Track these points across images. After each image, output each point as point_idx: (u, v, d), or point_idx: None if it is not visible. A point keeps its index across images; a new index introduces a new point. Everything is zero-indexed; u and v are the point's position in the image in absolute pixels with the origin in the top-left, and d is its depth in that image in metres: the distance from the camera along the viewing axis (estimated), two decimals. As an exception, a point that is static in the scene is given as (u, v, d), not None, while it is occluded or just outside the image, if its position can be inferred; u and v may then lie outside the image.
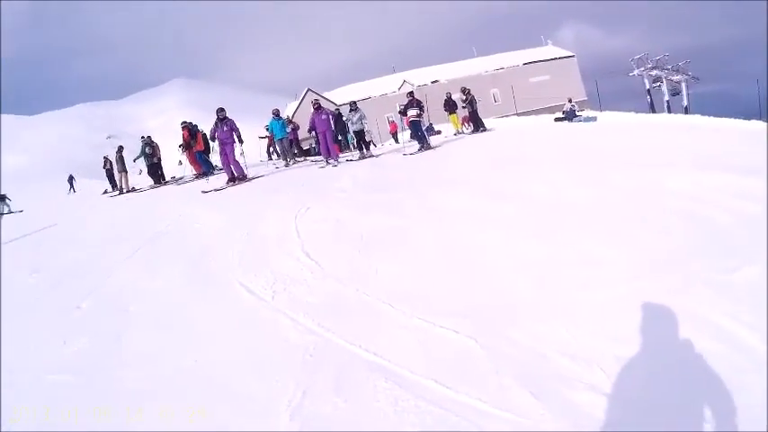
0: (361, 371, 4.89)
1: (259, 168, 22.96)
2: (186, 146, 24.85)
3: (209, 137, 20.87)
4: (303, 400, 4.55)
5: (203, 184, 20.30)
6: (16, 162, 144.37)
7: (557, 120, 31.46)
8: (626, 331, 4.93)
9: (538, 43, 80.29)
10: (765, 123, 18.11)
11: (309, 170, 19.89)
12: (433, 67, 76.58)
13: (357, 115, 22.86)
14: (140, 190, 26.01)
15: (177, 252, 10.00)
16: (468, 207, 9.60)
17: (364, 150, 23.07)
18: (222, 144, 19.39)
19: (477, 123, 27.67)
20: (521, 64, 73.45)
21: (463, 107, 28.77)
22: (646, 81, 67.01)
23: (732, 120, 21.07)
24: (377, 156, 22.35)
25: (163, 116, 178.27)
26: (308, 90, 72.83)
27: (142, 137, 28.41)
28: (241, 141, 19.71)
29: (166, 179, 27.01)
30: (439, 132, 31.46)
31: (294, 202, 12.34)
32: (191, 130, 24.91)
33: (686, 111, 58.45)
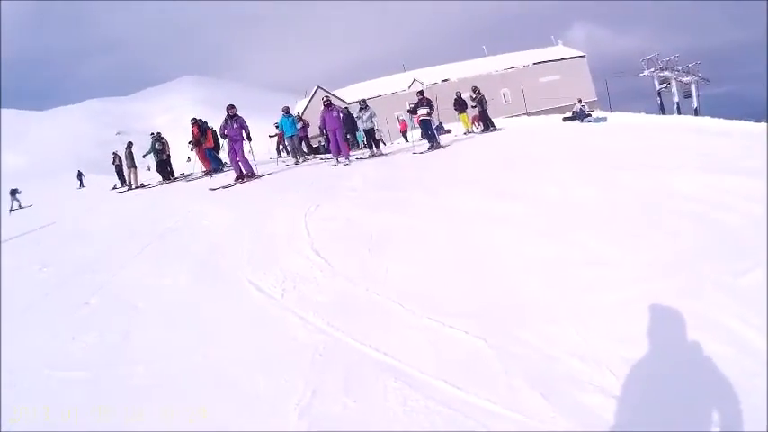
0: (371, 370, 4.88)
1: (268, 166, 22.96)
2: (196, 143, 24.89)
3: (218, 134, 20.83)
4: (312, 400, 4.53)
5: (212, 180, 20.30)
6: (24, 157, 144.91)
7: (566, 119, 31.40)
8: (635, 333, 4.90)
9: (548, 43, 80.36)
10: (765, 125, 18.06)
11: (319, 168, 19.87)
12: (444, 65, 76.74)
13: (367, 113, 22.83)
14: (149, 186, 26.09)
15: (186, 249, 10.00)
16: (479, 206, 9.58)
17: (374, 149, 23.06)
18: (231, 141, 19.37)
19: (486, 123, 27.66)
20: (531, 64, 73.53)
21: (473, 107, 28.76)
22: (656, 82, 66.96)
23: (742, 122, 21.00)
24: (387, 154, 22.35)
25: (172, 113, 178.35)
26: (318, 88, 73.06)
27: (152, 133, 28.52)
28: (249, 139, 19.69)
29: (175, 176, 27.08)
30: (449, 131, 31.47)
31: (304, 200, 12.34)
32: (201, 127, 24.95)
33: (696, 112, 58.39)
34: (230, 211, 12.80)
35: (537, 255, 7.08)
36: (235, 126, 19.29)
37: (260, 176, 19.14)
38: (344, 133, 21.88)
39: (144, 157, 28.16)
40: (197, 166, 26.26)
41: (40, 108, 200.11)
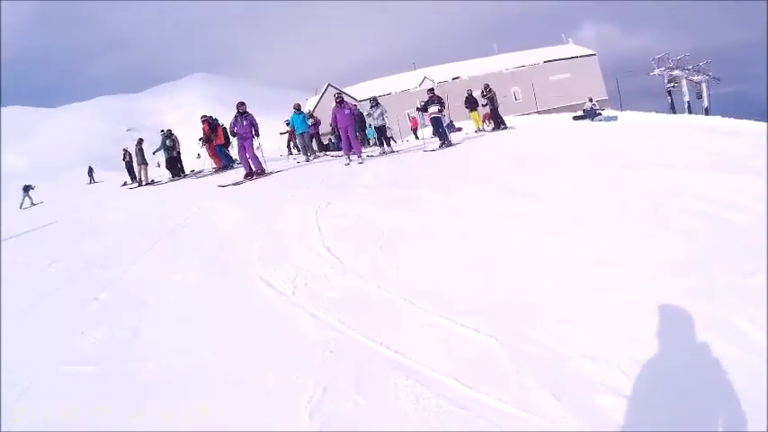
0: (382, 368, 4.86)
1: (279, 163, 22.97)
2: (207, 139, 24.96)
3: (229, 131, 20.82)
4: (323, 397, 4.52)
5: (222, 177, 20.30)
6: (34, 154, 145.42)
7: (576, 118, 31.39)
8: (646, 333, 4.88)
9: (559, 41, 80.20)
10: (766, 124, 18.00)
11: (330, 165, 19.88)
12: (454, 63, 76.82)
13: (378, 111, 22.85)
14: (159, 183, 26.19)
15: (196, 245, 10.01)
16: (490, 205, 9.56)
17: (385, 146, 23.05)
18: (241, 138, 19.36)
19: (497, 121, 27.66)
20: (541, 62, 73.49)
21: (484, 105, 28.78)
22: (665, 81, 66.87)
23: (753, 121, 20.91)
24: (397, 152, 22.36)
25: (182, 110, 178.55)
26: (329, 85, 73.20)
27: (162, 130, 28.62)
28: (257, 135, 19.66)
29: (186, 172, 27.11)
30: (459, 129, 31.56)
31: (315, 197, 12.34)
32: (211, 124, 25.03)
33: (707, 112, 58.26)
34: (241, 207, 12.83)
35: (548, 253, 7.07)
36: (245, 123, 19.25)
37: (270, 174, 19.13)
38: (356, 131, 21.51)
39: (154, 153, 28.28)
40: (207, 163, 26.35)
41: (52, 105, 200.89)
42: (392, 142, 27.89)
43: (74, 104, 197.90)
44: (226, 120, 22.40)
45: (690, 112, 56.43)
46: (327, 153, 27.72)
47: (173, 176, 26.57)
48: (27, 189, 38.41)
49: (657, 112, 32.67)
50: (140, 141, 29.62)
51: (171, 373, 5.42)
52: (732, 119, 22.54)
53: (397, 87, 73.67)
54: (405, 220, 9.35)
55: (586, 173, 11.09)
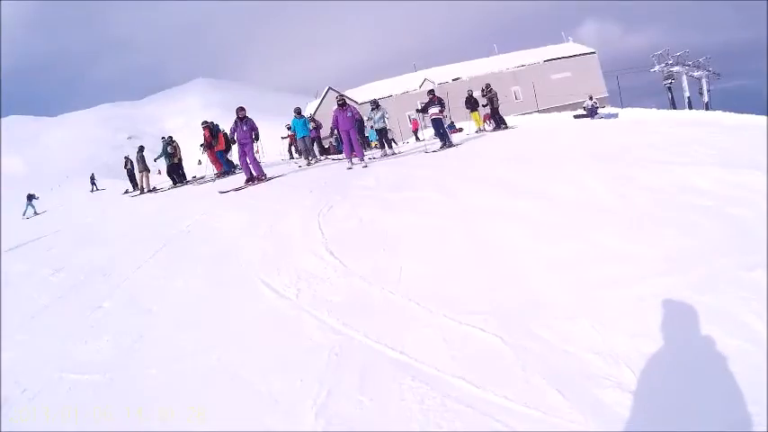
0: (387, 369, 4.86)
1: (280, 167, 22.94)
2: (208, 145, 24.98)
3: (229, 137, 20.81)
4: (328, 400, 4.52)
5: (223, 183, 20.28)
6: (35, 163, 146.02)
7: (577, 116, 31.44)
8: (652, 329, 4.89)
9: (558, 40, 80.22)
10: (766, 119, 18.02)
11: (331, 169, 19.78)
12: (454, 64, 76.91)
13: (379, 113, 22.81)
14: (161, 190, 26.20)
15: (199, 251, 10.01)
16: (493, 204, 9.55)
17: (386, 148, 23.03)
18: (242, 144, 19.24)
19: (498, 121, 27.68)
20: (541, 61, 73.49)
21: (484, 105, 28.81)
22: (663, 78, 66.92)
23: (754, 116, 20.91)
24: (399, 154, 22.33)
25: (184, 116, 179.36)
26: (329, 89, 73.30)
27: (163, 137, 28.63)
28: (257, 140, 19.63)
29: (187, 179, 27.12)
30: (460, 130, 31.58)
31: (317, 200, 12.34)
32: (212, 130, 25.07)
33: (707, 107, 58.27)
34: (243, 212, 12.82)
35: (552, 251, 7.06)
36: (245, 128, 19.12)
37: (271, 179, 19.04)
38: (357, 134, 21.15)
39: (155, 160, 28.34)
40: (209, 169, 26.35)
41: (53, 114, 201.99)
42: (393, 144, 27.90)
43: (75, 113, 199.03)
44: (227, 125, 22.36)
45: (690, 108, 56.44)
46: (328, 156, 27.72)
47: (174, 183, 26.61)
48: (30, 198, 38.42)
49: (658, 108, 32.70)
50: (141, 149, 29.62)
51: (176, 379, 5.42)
52: (733, 113, 22.57)
53: (397, 89, 73.76)
54: (407, 221, 9.34)
55: (589, 171, 11.08)
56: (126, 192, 31.68)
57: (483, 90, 28.57)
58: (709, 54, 67.65)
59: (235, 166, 24.64)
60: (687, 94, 65.69)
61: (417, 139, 36.62)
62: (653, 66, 67.60)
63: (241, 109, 19.40)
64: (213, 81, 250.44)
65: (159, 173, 35.19)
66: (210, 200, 16.29)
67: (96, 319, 7.53)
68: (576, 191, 9.70)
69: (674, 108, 57.60)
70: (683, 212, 7.78)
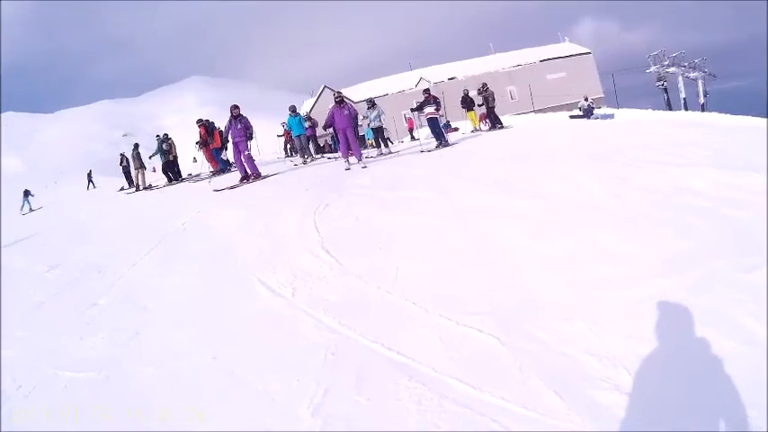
0: (384, 369, 4.85)
1: (276, 166, 22.90)
2: (203, 143, 24.96)
3: (224, 135, 20.76)
4: (325, 399, 4.51)
5: (219, 181, 20.24)
6: (31, 159, 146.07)
7: (573, 117, 31.48)
8: (648, 330, 4.90)
9: (554, 40, 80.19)
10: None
11: (327, 167, 19.76)
12: (450, 63, 76.67)
13: (375, 112, 22.82)
14: (156, 187, 26.17)
15: (195, 249, 10.01)
16: (489, 204, 9.54)
17: (382, 147, 23.00)
18: (236, 142, 19.22)
19: (494, 121, 27.70)
20: (537, 61, 73.36)
21: (480, 105, 28.81)
22: (656, 80, 66.93)
23: (750, 118, 20.97)
24: (395, 153, 22.32)
25: (181, 114, 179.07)
26: (325, 87, 73.17)
27: (157, 135, 28.60)
28: (251, 138, 19.36)
29: (183, 176, 27.10)
30: (456, 129, 31.60)
31: (312, 199, 12.33)
32: (207, 128, 25.04)
33: (703, 108, 58.29)
34: (239, 210, 12.82)
35: (549, 252, 7.06)
36: (239, 127, 19.03)
37: (266, 177, 19.05)
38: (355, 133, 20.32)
39: (150, 158, 28.33)
40: (204, 167, 26.34)
41: (49, 111, 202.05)
42: (389, 143, 27.87)
43: (71, 109, 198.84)
44: (223, 123, 22.31)
45: (686, 109, 56.46)
46: (324, 155, 27.70)
47: (169, 181, 26.63)
48: (27, 194, 38.54)
49: (654, 109, 32.76)
50: (136, 146, 29.65)
51: (171, 377, 5.42)
52: (728, 115, 22.63)
53: (393, 88, 73.57)
54: (403, 220, 9.34)
55: (585, 171, 11.09)
56: (121, 189, 31.69)
57: (479, 89, 28.59)
58: (706, 55, 67.76)
59: (230, 164, 24.65)
60: (683, 95, 65.69)
61: (413, 138, 36.63)
62: (649, 66, 67.63)
63: (235, 107, 19.30)
64: (209, 79, 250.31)
65: (154, 170, 35.14)
66: (206, 198, 16.28)
67: (92, 316, 7.53)
68: (572, 190, 9.72)
69: (670, 109, 57.69)
70: (680, 213, 7.79)
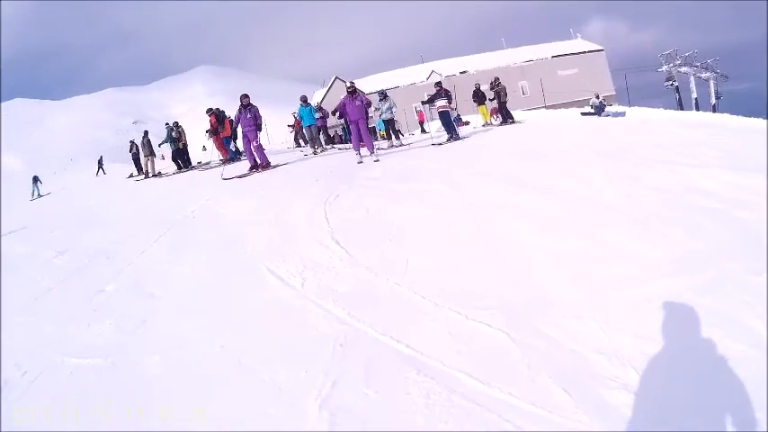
0: (392, 362, 4.85)
1: (286, 155, 22.88)
2: (214, 132, 24.98)
3: (234, 124, 20.73)
4: (333, 391, 4.51)
5: (228, 170, 20.22)
6: (40, 146, 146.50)
7: (584, 114, 31.41)
8: (657, 330, 4.89)
9: (567, 36, 79.97)
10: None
11: (337, 158, 19.77)
12: (462, 57, 76.48)
13: (386, 104, 22.73)
14: (165, 175, 26.18)
15: (204, 237, 10.04)
16: (500, 199, 9.54)
17: (393, 139, 22.94)
18: (245, 131, 19.19)
19: (505, 115, 27.63)
20: (549, 57, 73.15)
21: (491, 99, 28.75)
22: (679, 78, 66.74)
23: (762, 119, 20.90)
24: (405, 145, 22.27)
25: (189, 102, 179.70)
26: (336, 78, 73.11)
27: (166, 123, 28.60)
28: (259, 129, 19.28)
29: (192, 164, 27.12)
30: (467, 123, 31.47)
31: (323, 189, 12.32)
32: (218, 117, 25.05)
33: (714, 109, 58.14)
34: (248, 199, 12.85)
35: (559, 249, 7.04)
36: (248, 116, 18.96)
37: (275, 166, 19.05)
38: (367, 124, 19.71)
39: (160, 146, 28.35)
40: (214, 155, 26.34)
41: (59, 98, 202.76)
42: (400, 135, 27.82)
43: (81, 96, 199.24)
44: (232, 112, 22.29)
45: (698, 109, 56.33)
46: (335, 146, 27.67)
47: (179, 168, 26.70)
48: (36, 180, 38.73)
49: (665, 108, 32.67)
50: (146, 133, 29.66)
51: (178, 365, 5.43)
52: (740, 116, 22.55)
53: (404, 81, 73.41)
54: (414, 213, 9.33)
55: (596, 168, 11.06)
56: (131, 176, 31.71)
57: (491, 84, 28.52)
58: (718, 55, 67.56)
59: (240, 153, 24.61)
60: (695, 95, 65.58)
61: (423, 131, 36.56)
62: (661, 66, 67.46)
63: (245, 96, 19.23)
64: (217, 69, 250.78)
65: (163, 158, 35.14)
66: (215, 186, 16.34)
67: (99, 302, 7.54)
68: (583, 188, 9.69)
69: (682, 109, 57.56)
70: (690, 214, 7.77)
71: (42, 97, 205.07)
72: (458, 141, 20.15)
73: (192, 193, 15.47)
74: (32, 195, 36.54)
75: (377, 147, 19.23)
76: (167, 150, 28.95)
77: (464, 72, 69.25)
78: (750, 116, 22.58)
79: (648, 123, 21.32)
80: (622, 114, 29.46)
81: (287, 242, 8.76)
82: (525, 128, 24.10)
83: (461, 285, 6.24)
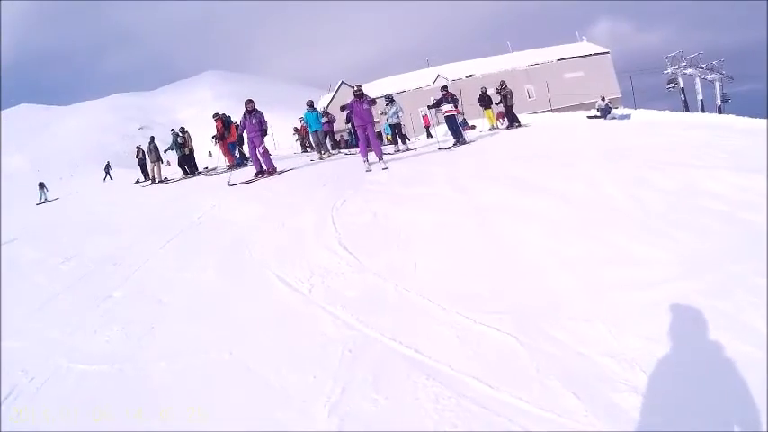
0: (401, 367, 4.85)
1: (292, 161, 22.91)
2: (220, 137, 25.02)
3: (239, 130, 20.76)
4: (342, 397, 4.51)
5: (235, 175, 20.24)
6: (45, 151, 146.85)
7: (590, 117, 31.41)
8: (665, 332, 4.90)
9: (572, 39, 79.89)
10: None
11: (344, 163, 19.78)
12: (468, 61, 76.39)
13: (393, 109, 22.78)
14: (172, 180, 26.25)
15: (211, 243, 10.03)
16: (507, 202, 9.54)
17: (400, 144, 22.94)
18: (250, 137, 19.16)
19: (511, 119, 27.63)
20: (555, 60, 73.09)
21: (497, 103, 28.74)
22: (680, 80, 66.63)
23: (763, 120, 20.83)
24: (412, 149, 22.30)
25: (196, 107, 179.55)
26: (342, 83, 73.10)
27: (172, 129, 28.71)
28: (265, 134, 19.23)
29: (199, 170, 27.15)
30: (473, 127, 31.52)
31: (330, 194, 12.34)
32: (224, 122, 25.12)
33: (720, 110, 58.06)
34: (255, 205, 12.85)
35: (566, 252, 7.04)
36: (254, 122, 18.91)
37: (282, 172, 19.05)
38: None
39: (165, 152, 28.39)
40: (220, 160, 26.37)
41: (65, 103, 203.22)
42: (407, 140, 27.88)
43: (86, 102, 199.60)
44: (238, 117, 22.32)
45: (703, 111, 56.25)
46: (341, 150, 27.69)
47: (185, 174, 26.71)
48: (42, 186, 38.92)
49: (671, 110, 32.59)
50: (152, 139, 29.70)
51: (186, 371, 5.43)
52: (745, 117, 22.49)
53: (410, 85, 73.36)
54: (421, 217, 9.33)
55: (603, 171, 11.05)
56: (137, 181, 31.79)
57: (498, 88, 28.53)
58: (723, 56, 67.52)
59: (247, 159, 24.54)
60: (700, 96, 65.50)
61: (429, 135, 36.57)
62: (666, 68, 67.39)
63: (250, 102, 19.18)
64: (224, 73, 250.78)
65: (168, 164, 35.20)
66: (222, 192, 16.35)
67: (106, 308, 7.54)
68: (590, 191, 9.71)
69: (688, 111, 57.46)
70: (696, 216, 7.78)
71: (50, 102, 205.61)
72: (464, 145, 20.18)
73: (199, 199, 15.46)
74: (39, 200, 36.70)
75: (383, 151, 18.98)
76: (173, 156, 28.98)
77: (470, 76, 69.26)
78: (756, 117, 22.49)
79: (654, 125, 21.27)
80: (628, 117, 29.45)
81: (294, 247, 8.76)
82: (532, 131, 24.09)
83: (469, 289, 6.25)
